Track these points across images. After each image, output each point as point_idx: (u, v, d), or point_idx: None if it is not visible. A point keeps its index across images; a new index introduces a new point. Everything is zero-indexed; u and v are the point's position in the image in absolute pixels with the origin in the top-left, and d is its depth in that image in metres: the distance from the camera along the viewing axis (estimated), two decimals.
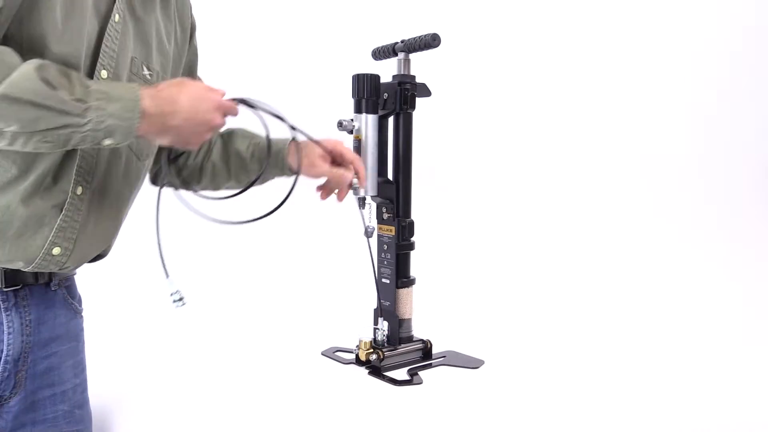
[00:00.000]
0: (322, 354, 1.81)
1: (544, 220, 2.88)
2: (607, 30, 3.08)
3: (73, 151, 0.93)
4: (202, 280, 2.47)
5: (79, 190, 0.95)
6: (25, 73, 0.80)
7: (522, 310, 2.26)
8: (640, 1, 3.13)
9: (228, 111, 1.01)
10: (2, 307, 0.93)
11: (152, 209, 1.03)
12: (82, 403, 1.12)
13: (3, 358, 0.94)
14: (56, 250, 0.93)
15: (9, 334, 0.94)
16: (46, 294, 1.01)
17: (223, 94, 1.01)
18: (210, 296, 2.36)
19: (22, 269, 0.93)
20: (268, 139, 1.16)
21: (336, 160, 1.29)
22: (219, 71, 2.85)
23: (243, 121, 1.12)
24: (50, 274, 1.00)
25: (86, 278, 1.15)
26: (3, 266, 0.93)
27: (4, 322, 0.93)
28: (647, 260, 2.73)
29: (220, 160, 1.30)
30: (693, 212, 3.01)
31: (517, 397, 1.48)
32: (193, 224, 2.80)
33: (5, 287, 0.93)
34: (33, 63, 0.82)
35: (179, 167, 1.28)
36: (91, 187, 0.97)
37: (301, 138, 1.23)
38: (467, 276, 2.53)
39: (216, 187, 1.32)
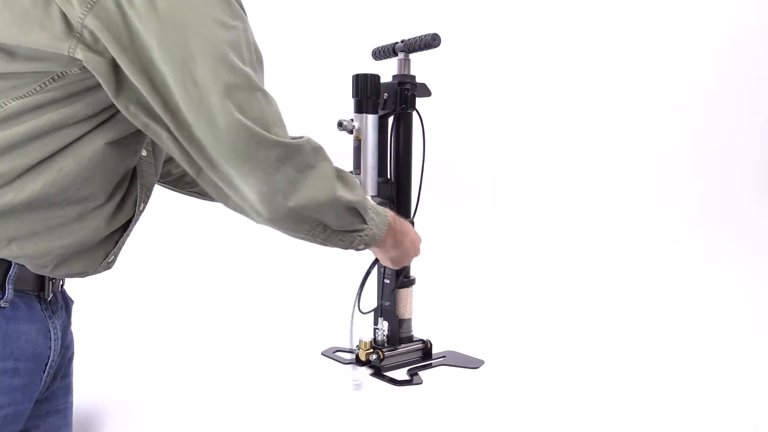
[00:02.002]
0: (322, 354, 1.81)
1: (544, 220, 2.88)
2: (607, 30, 3.08)
3: (137, 171, 1.00)
4: (203, 280, 2.47)
5: (142, 206, 1.02)
6: (351, 180, 1.02)
7: (522, 310, 2.26)
8: (639, 1, 3.13)
9: (420, 244, 1.31)
10: (47, 315, 0.96)
11: (150, 213, 1.04)
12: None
13: (48, 364, 0.98)
14: (111, 258, 1.00)
15: (54, 341, 0.98)
16: (64, 299, 1.05)
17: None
18: (210, 296, 2.36)
19: (80, 277, 0.98)
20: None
21: None
22: None
23: None
24: (63, 279, 1.04)
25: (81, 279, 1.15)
26: (65, 277, 0.97)
27: (51, 330, 0.97)
28: (647, 260, 2.73)
29: None
30: (693, 212, 3.01)
31: (517, 397, 1.48)
32: (193, 224, 2.81)
33: (49, 296, 0.97)
34: (336, 167, 0.99)
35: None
36: (148, 201, 1.05)
37: None
38: (467, 276, 2.53)
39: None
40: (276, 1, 2.88)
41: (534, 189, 2.95)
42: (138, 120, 0.87)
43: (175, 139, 0.88)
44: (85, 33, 0.82)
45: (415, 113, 1.60)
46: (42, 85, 0.85)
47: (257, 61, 0.92)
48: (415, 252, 1.30)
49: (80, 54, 0.82)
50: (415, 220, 1.72)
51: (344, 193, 0.99)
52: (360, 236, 1.08)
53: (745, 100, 3.25)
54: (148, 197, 1.04)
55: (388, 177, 1.57)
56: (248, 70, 0.87)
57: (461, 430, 1.33)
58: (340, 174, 1.01)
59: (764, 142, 3.27)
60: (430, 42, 1.55)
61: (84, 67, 0.84)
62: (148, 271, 2.21)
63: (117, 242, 1.00)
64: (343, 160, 1.50)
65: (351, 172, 1.49)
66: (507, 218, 2.77)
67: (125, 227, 1.01)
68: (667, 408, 1.45)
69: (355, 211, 1.03)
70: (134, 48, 0.82)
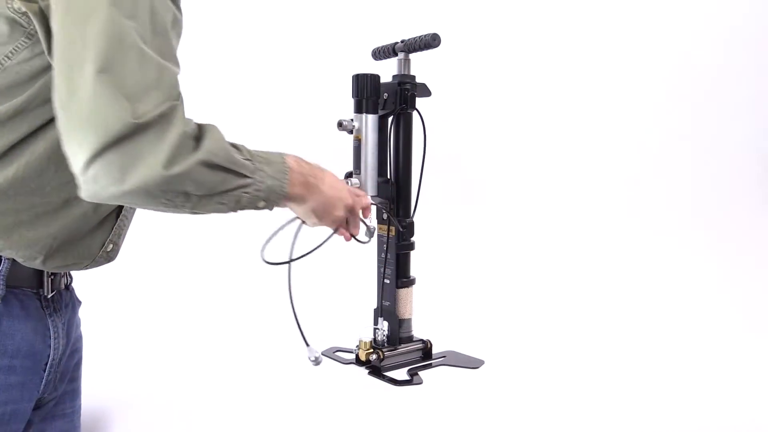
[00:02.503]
0: (322, 354, 1.81)
1: (545, 220, 2.88)
2: (606, 30, 3.09)
3: None
4: (203, 280, 2.47)
5: None
6: (217, 138, 0.86)
7: (522, 310, 2.26)
8: (638, 1, 3.13)
9: (357, 198, 1.18)
10: (46, 313, 0.96)
11: (151, 215, 1.03)
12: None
13: (49, 363, 0.97)
14: (110, 247, 0.98)
15: (54, 339, 0.97)
16: (70, 297, 1.04)
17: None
18: (210, 296, 2.36)
19: (78, 269, 0.97)
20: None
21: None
22: (220, 71, 2.85)
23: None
24: (70, 278, 1.04)
25: (86, 279, 1.15)
26: (60, 269, 0.95)
27: (50, 328, 0.96)
28: (647, 260, 2.73)
29: None
30: (693, 212, 3.01)
31: (517, 397, 1.48)
32: (193, 226, 2.80)
33: (49, 294, 0.96)
34: (213, 125, 0.87)
35: None
36: None
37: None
38: (467, 276, 2.53)
39: None
40: (276, 1, 2.88)
41: (534, 189, 2.95)
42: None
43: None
44: None
45: (415, 113, 1.60)
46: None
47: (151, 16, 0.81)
48: (347, 197, 1.13)
49: (18, 3, 0.81)
50: (414, 219, 1.72)
51: (194, 156, 0.82)
52: (247, 193, 0.91)
53: (745, 100, 3.25)
54: None
55: (388, 177, 1.57)
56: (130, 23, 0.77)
57: (461, 430, 1.33)
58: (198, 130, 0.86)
59: (764, 142, 3.27)
60: (430, 42, 1.55)
61: (30, 36, 0.83)
62: (151, 273, 2.21)
63: (112, 229, 0.98)
64: (343, 160, 1.50)
65: (350, 173, 1.50)
66: (507, 218, 2.77)
67: (118, 214, 0.99)
68: (667, 408, 1.45)
69: (219, 167, 0.86)
70: None
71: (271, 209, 0.97)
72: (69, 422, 1.08)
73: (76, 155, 0.75)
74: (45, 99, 0.84)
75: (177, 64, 0.86)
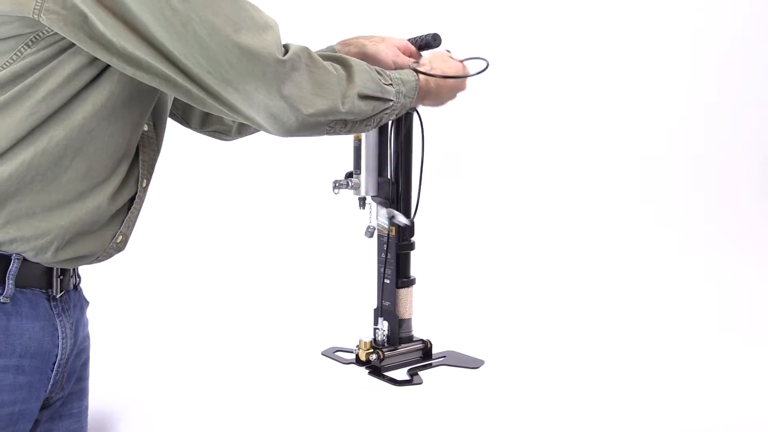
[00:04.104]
0: (322, 354, 1.81)
1: (545, 220, 2.88)
2: (607, 30, 3.08)
3: (138, 147, 0.98)
4: (203, 280, 2.47)
5: (144, 183, 1.00)
6: (364, 69, 1.00)
7: (522, 310, 2.26)
8: (639, 1, 3.13)
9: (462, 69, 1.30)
10: (55, 313, 0.95)
11: (152, 207, 1.03)
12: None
13: (57, 363, 0.96)
14: (119, 238, 0.99)
15: (63, 339, 0.96)
16: (78, 298, 1.04)
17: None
18: (210, 296, 2.36)
19: (89, 262, 0.97)
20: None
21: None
22: None
23: None
24: (79, 278, 1.04)
25: (94, 279, 1.15)
26: (71, 263, 0.95)
27: (59, 328, 0.96)
28: (647, 260, 2.73)
29: None
30: (693, 212, 3.01)
31: (517, 397, 1.48)
32: (193, 226, 2.80)
33: (57, 294, 0.96)
34: (338, 60, 0.99)
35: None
36: (151, 178, 1.03)
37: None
38: (467, 276, 2.53)
39: (231, 134, 1.37)
40: (276, 1, 2.88)
41: (534, 189, 2.95)
42: (127, 71, 0.85)
43: (168, 78, 0.85)
44: None
45: (414, 113, 1.60)
46: (18, 53, 0.83)
47: None
48: (462, 86, 1.33)
49: (45, 16, 0.80)
50: (415, 220, 1.72)
51: (351, 89, 0.97)
52: (387, 113, 1.08)
53: (746, 100, 3.25)
54: (150, 173, 1.02)
55: (388, 177, 1.57)
56: None
57: (461, 430, 1.33)
58: (345, 63, 0.99)
59: (764, 142, 3.27)
60: (430, 42, 1.55)
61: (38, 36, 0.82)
62: (153, 273, 2.21)
63: (123, 221, 0.98)
64: (344, 160, 1.50)
65: (351, 173, 1.50)
66: (507, 218, 2.77)
67: (129, 206, 0.99)
68: (667, 408, 1.45)
69: (371, 97, 1.01)
70: None
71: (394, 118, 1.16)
72: (76, 422, 1.08)
73: (267, 96, 0.86)
74: (60, 82, 0.84)
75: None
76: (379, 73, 1.04)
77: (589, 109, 3.06)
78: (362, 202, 1.65)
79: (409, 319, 1.73)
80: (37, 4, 0.80)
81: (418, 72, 1.16)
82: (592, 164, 3.02)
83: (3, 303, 0.87)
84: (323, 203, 2.16)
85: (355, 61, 1.01)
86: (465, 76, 1.32)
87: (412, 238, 1.71)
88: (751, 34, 3.24)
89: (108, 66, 0.87)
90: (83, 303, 1.06)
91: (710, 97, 3.19)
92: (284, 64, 0.87)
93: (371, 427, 1.35)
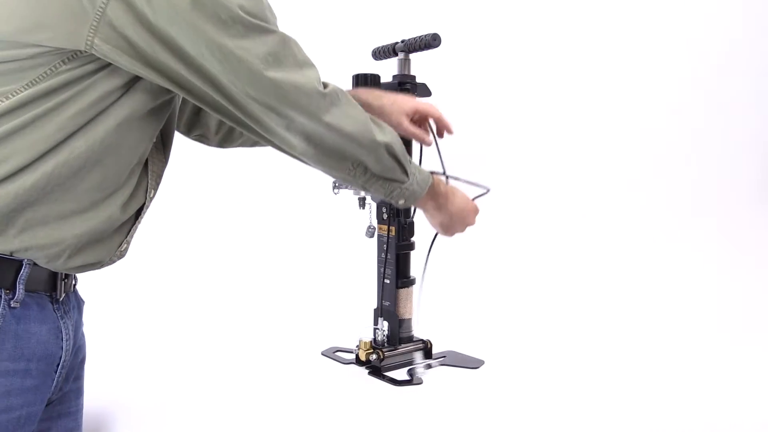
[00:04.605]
0: (322, 354, 1.81)
1: (545, 220, 2.88)
2: (607, 30, 3.09)
3: (147, 158, 1.00)
4: (202, 279, 2.47)
5: (152, 193, 1.02)
6: (386, 126, 1.10)
7: (522, 310, 2.26)
8: (639, 1, 3.13)
9: (474, 216, 1.40)
10: (58, 316, 0.96)
11: (152, 206, 1.04)
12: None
13: (60, 365, 0.97)
14: (124, 246, 1.00)
15: (66, 341, 0.97)
16: (75, 299, 1.04)
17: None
18: (210, 296, 2.36)
19: (94, 269, 0.98)
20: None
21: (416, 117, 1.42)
22: None
23: None
24: (76, 279, 1.04)
25: (88, 279, 1.15)
26: (78, 270, 0.96)
27: (62, 330, 0.96)
28: (647, 260, 2.73)
29: None
30: (693, 212, 3.01)
31: (517, 397, 1.48)
32: (193, 225, 2.80)
33: (61, 297, 0.96)
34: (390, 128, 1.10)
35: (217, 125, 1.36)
36: (158, 188, 1.05)
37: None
38: (467, 276, 2.53)
39: (246, 144, 1.40)
40: (276, 1, 2.88)
41: (534, 189, 2.95)
42: (181, 94, 0.90)
43: (215, 103, 0.91)
44: (104, 22, 0.81)
45: None
46: (53, 68, 0.83)
47: (269, 11, 0.96)
48: (468, 221, 1.37)
49: (97, 48, 0.81)
50: (415, 219, 1.72)
51: (382, 137, 1.06)
52: (400, 188, 1.14)
53: (746, 100, 3.25)
54: (157, 184, 1.04)
55: None
56: (268, 26, 0.92)
57: (461, 430, 1.33)
58: (373, 119, 1.08)
59: (764, 142, 3.27)
60: (430, 42, 1.55)
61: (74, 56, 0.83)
62: (146, 270, 2.21)
63: (129, 230, 1.00)
64: None
65: None
66: (507, 218, 2.77)
67: (137, 215, 1.00)
68: (667, 408, 1.45)
69: (395, 157, 1.09)
70: (157, 30, 0.83)
71: (405, 207, 1.30)
72: (73, 420, 1.08)
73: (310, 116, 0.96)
74: (92, 101, 0.86)
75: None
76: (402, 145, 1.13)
77: (589, 109, 3.06)
78: (362, 202, 1.65)
79: (409, 319, 1.73)
80: (89, 36, 0.81)
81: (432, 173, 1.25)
82: (592, 164, 3.03)
83: (13, 308, 0.88)
84: (323, 203, 2.16)
85: (386, 124, 1.11)
86: (475, 195, 1.41)
87: (412, 238, 1.71)
88: (751, 34, 3.24)
89: (134, 83, 0.89)
90: (80, 302, 1.06)
91: (710, 97, 3.19)
92: (326, 97, 0.98)
93: (371, 427, 1.35)
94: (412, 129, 1.37)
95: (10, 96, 0.83)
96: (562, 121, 3.03)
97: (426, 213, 1.31)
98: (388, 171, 1.10)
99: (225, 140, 1.37)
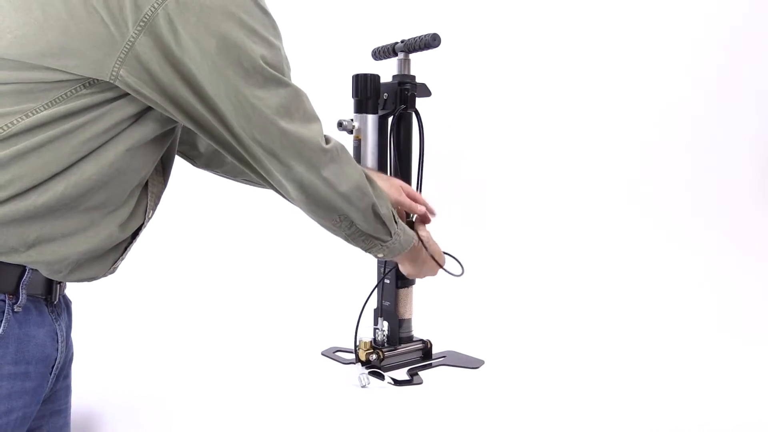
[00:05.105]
0: (322, 354, 1.81)
1: (545, 220, 2.88)
2: (607, 30, 3.08)
3: (148, 180, 1.02)
4: (201, 279, 2.47)
5: (151, 213, 1.04)
6: (386, 195, 1.15)
7: (522, 310, 2.26)
8: (638, 2, 3.13)
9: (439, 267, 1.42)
10: (53, 318, 0.97)
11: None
12: None
13: (55, 366, 0.98)
14: (119, 263, 1.02)
15: (61, 343, 0.98)
16: (64, 299, 1.06)
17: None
18: (209, 295, 2.36)
19: (88, 282, 0.99)
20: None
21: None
22: None
23: None
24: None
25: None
26: (75, 282, 0.98)
27: (57, 332, 0.98)
28: (647, 261, 2.73)
29: None
30: (693, 212, 3.01)
31: (517, 397, 1.48)
32: (193, 224, 2.79)
33: (56, 300, 0.98)
34: (367, 173, 1.11)
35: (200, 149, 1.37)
36: (156, 209, 1.07)
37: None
38: (467, 276, 2.53)
39: (233, 175, 1.41)
40: (276, 1, 2.88)
41: (534, 189, 2.95)
42: (189, 126, 0.93)
43: (224, 140, 0.95)
44: (131, 55, 0.83)
45: (413, 113, 1.60)
46: (74, 90, 0.84)
47: (286, 63, 1.01)
48: (434, 272, 1.43)
49: (121, 81, 0.83)
50: (414, 220, 1.72)
51: (372, 198, 1.11)
52: (382, 245, 1.18)
53: (746, 100, 3.25)
54: (156, 204, 1.06)
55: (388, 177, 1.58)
56: (284, 78, 0.96)
57: (461, 430, 1.33)
58: (369, 178, 1.12)
59: (764, 142, 3.27)
60: (430, 42, 1.55)
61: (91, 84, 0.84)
62: (146, 270, 2.21)
63: (126, 248, 1.01)
64: None
65: None
66: (507, 218, 2.77)
67: (134, 234, 1.02)
68: (668, 408, 1.45)
69: (380, 218, 1.13)
70: (181, 67, 0.86)
71: (379, 258, 1.31)
72: (63, 418, 1.10)
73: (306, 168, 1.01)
74: (109, 126, 0.87)
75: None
76: (392, 210, 1.18)
77: (589, 109, 3.06)
78: None
79: (409, 319, 1.73)
80: (115, 68, 0.83)
81: (419, 237, 1.32)
82: (592, 165, 3.02)
83: (16, 312, 0.89)
84: None
85: (380, 185, 1.15)
86: (444, 266, 1.44)
87: None
88: (751, 34, 3.24)
89: (146, 112, 0.91)
90: (68, 302, 1.07)
91: (710, 97, 3.19)
92: (327, 153, 1.03)
93: (371, 427, 1.35)
94: (409, 202, 1.41)
95: (30, 114, 0.84)
96: (562, 121, 3.03)
97: (398, 262, 1.35)
98: (373, 230, 1.15)
99: (209, 163, 1.38)
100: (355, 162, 1.11)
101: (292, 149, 0.98)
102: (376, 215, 1.13)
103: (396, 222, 1.19)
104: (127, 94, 0.87)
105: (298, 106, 0.99)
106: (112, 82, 0.84)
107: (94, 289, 1.29)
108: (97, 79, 0.84)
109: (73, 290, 1.09)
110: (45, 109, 0.84)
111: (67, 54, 0.82)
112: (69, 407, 1.12)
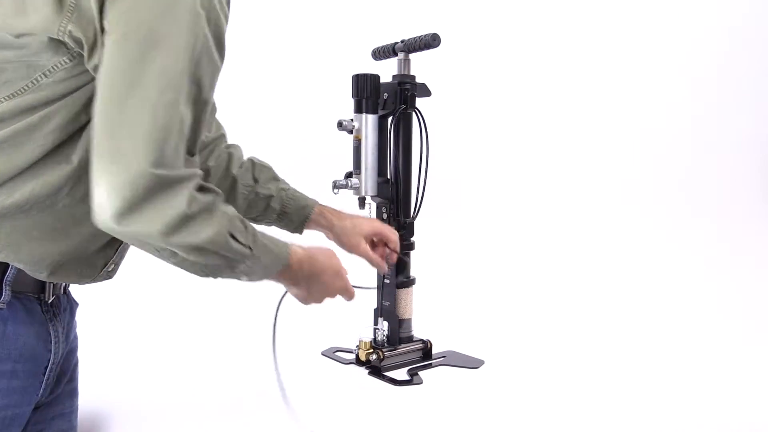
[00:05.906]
0: (322, 354, 1.81)
1: (544, 220, 2.88)
2: (607, 30, 3.08)
3: None
4: (202, 280, 2.47)
5: None
6: (220, 230, 0.89)
7: (522, 310, 2.26)
8: (638, 2, 3.13)
9: (346, 294, 1.27)
10: (47, 318, 0.96)
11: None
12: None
13: (49, 367, 0.98)
14: (111, 267, 1.00)
15: (55, 343, 0.98)
16: (68, 301, 1.05)
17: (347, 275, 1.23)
18: (209, 295, 2.36)
19: (78, 284, 0.99)
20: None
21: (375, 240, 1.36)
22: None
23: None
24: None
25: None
26: (61, 281, 0.97)
27: (51, 332, 0.97)
28: (647, 261, 2.73)
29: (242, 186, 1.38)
30: (693, 212, 3.01)
31: (517, 397, 1.48)
32: None
33: (49, 299, 0.97)
34: (227, 215, 0.91)
35: None
36: None
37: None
38: (467, 276, 2.53)
39: None
40: (276, 2, 2.88)
41: (535, 189, 2.95)
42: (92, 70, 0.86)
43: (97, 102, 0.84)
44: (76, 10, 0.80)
45: (415, 113, 1.60)
46: (34, 81, 0.84)
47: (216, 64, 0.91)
48: (332, 296, 1.26)
49: (71, 27, 0.81)
50: (415, 220, 1.72)
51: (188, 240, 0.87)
52: (234, 272, 0.99)
53: (746, 100, 3.25)
54: None
55: (388, 177, 1.57)
56: (183, 115, 0.84)
57: (461, 430, 1.33)
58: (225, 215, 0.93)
59: (764, 142, 3.27)
60: (430, 42, 1.55)
61: (72, 57, 0.83)
62: (148, 272, 2.21)
63: (117, 251, 0.99)
64: (343, 160, 1.50)
65: (350, 173, 1.50)
66: (507, 218, 2.77)
67: None
68: (667, 408, 1.45)
69: (214, 254, 0.92)
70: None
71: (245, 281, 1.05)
72: (67, 422, 1.09)
73: (109, 192, 0.79)
74: (69, 118, 0.85)
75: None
76: (242, 222, 0.97)
77: (589, 109, 3.06)
78: (362, 202, 1.65)
79: (409, 319, 1.73)
80: (62, 25, 0.81)
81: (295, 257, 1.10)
82: (592, 165, 3.02)
83: (0, 309, 0.88)
84: (323, 203, 2.16)
85: (220, 211, 0.92)
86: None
87: (412, 238, 1.71)
88: (751, 34, 3.24)
89: None
90: (73, 305, 1.07)
91: (710, 97, 3.19)
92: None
93: (371, 427, 1.35)
94: (369, 253, 1.34)
95: None
96: (562, 121, 3.03)
97: (280, 283, 1.18)
98: (205, 261, 0.94)
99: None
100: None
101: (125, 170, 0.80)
102: (204, 251, 0.91)
103: (252, 244, 0.98)
104: (86, 85, 0.85)
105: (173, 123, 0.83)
106: (60, 38, 0.82)
107: (101, 292, 1.29)
108: (55, 67, 0.83)
109: (81, 294, 1.08)
110: (3, 101, 0.84)
111: (21, 15, 0.82)
112: (75, 410, 1.11)
